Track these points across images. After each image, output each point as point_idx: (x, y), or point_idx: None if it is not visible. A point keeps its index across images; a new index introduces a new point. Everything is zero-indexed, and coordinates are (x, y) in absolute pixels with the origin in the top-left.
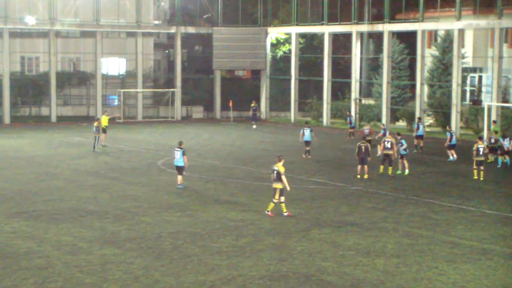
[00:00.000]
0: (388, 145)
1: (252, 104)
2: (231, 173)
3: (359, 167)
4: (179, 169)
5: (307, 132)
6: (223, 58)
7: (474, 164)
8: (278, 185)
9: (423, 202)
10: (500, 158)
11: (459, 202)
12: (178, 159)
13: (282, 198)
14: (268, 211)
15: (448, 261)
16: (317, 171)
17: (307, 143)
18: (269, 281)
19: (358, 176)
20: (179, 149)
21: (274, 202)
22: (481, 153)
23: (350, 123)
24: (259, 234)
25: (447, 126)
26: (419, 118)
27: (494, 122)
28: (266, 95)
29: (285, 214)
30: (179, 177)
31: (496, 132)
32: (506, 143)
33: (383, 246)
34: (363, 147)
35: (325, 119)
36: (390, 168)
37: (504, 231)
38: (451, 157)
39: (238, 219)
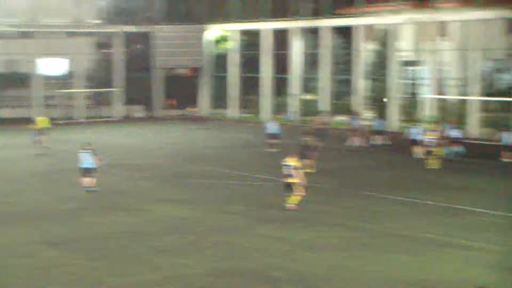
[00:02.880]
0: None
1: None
2: (175, 172)
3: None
4: (87, 171)
5: (274, 125)
6: (164, 56)
7: (423, 154)
8: (293, 180)
9: (366, 196)
10: (449, 149)
11: (402, 195)
12: (87, 161)
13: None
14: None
15: (391, 253)
16: (261, 168)
17: (273, 136)
18: (215, 278)
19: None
20: (87, 151)
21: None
22: (427, 143)
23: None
24: (204, 232)
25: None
26: (356, 113)
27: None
28: (206, 92)
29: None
30: (87, 180)
31: (437, 123)
32: (455, 133)
33: (329, 240)
34: (307, 142)
35: (266, 115)
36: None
37: (448, 221)
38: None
39: (183, 217)
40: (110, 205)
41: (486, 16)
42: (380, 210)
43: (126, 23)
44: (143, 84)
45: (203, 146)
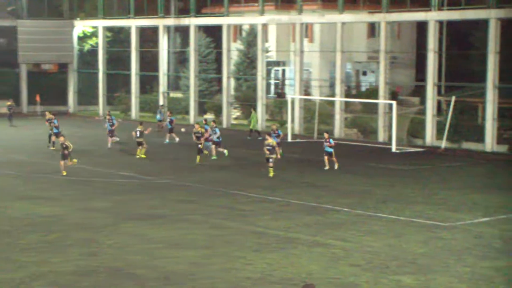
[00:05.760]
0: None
1: (8, 103)
2: (39, 168)
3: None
4: None
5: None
6: (29, 51)
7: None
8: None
9: (230, 194)
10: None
11: (265, 193)
12: None
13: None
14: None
15: (255, 251)
16: (126, 165)
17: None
18: (79, 276)
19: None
20: None
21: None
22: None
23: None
24: (68, 229)
25: (212, 122)
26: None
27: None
28: (74, 89)
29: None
30: None
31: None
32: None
33: (193, 238)
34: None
35: (134, 112)
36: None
37: (308, 220)
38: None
39: (47, 214)
40: None
41: (349, 19)
42: (245, 209)
43: None
44: (8, 79)
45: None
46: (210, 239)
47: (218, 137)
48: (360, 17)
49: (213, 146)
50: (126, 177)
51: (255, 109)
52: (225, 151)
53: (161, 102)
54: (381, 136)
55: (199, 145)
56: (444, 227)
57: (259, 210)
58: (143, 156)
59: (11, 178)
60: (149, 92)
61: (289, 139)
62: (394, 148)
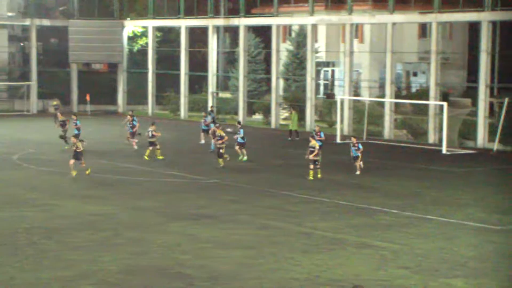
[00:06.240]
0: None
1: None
2: (89, 167)
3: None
4: None
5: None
6: (79, 51)
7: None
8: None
9: (279, 195)
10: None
11: (313, 194)
12: None
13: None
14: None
15: (303, 252)
16: (174, 165)
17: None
18: (127, 275)
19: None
20: None
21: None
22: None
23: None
24: (117, 228)
25: (237, 123)
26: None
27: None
28: (123, 88)
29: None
30: None
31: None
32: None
33: (240, 238)
34: None
35: (183, 112)
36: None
37: (356, 221)
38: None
39: (96, 213)
40: (20, 200)
41: (400, 20)
42: (293, 209)
43: (41, 16)
44: (59, 78)
45: (115, 142)
46: (258, 239)
47: (242, 138)
48: (411, 18)
49: (237, 147)
50: (175, 177)
51: (295, 109)
52: (245, 157)
53: (210, 103)
54: (431, 138)
55: (220, 149)
56: (495, 231)
57: (307, 210)
58: (160, 157)
59: (61, 176)
60: (198, 92)
61: (338, 140)
62: (444, 150)
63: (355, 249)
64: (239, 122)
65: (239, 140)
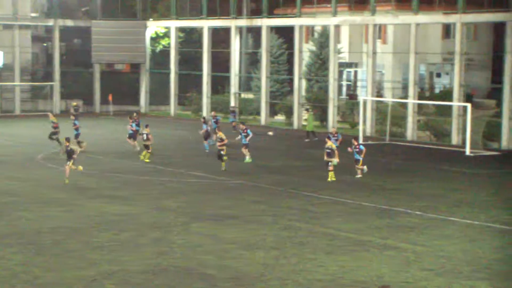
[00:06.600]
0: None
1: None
2: (112, 167)
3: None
4: None
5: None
6: (102, 51)
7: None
8: (331, 159)
9: (302, 196)
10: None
11: (336, 195)
12: None
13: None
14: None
15: (327, 253)
16: (197, 165)
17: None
18: (150, 275)
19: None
20: None
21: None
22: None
23: (234, 117)
24: (140, 228)
25: (241, 124)
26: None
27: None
28: (145, 89)
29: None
30: None
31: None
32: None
33: (263, 239)
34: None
35: (205, 112)
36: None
37: (379, 223)
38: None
39: (119, 213)
40: (44, 199)
41: (423, 21)
42: (316, 211)
43: (64, 17)
44: (81, 78)
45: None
46: (281, 240)
47: (248, 140)
48: (435, 18)
49: (243, 149)
50: (198, 177)
51: (310, 110)
52: (248, 158)
53: (232, 103)
54: (455, 139)
55: (221, 152)
56: None
57: (330, 212)
58: (147, 160)
59: (85, 176)
60: (220, 92)
61: (361, 141)
62: (468, 151)
63: (378, 250)
64: (243, 123)
65: (243, 141)
